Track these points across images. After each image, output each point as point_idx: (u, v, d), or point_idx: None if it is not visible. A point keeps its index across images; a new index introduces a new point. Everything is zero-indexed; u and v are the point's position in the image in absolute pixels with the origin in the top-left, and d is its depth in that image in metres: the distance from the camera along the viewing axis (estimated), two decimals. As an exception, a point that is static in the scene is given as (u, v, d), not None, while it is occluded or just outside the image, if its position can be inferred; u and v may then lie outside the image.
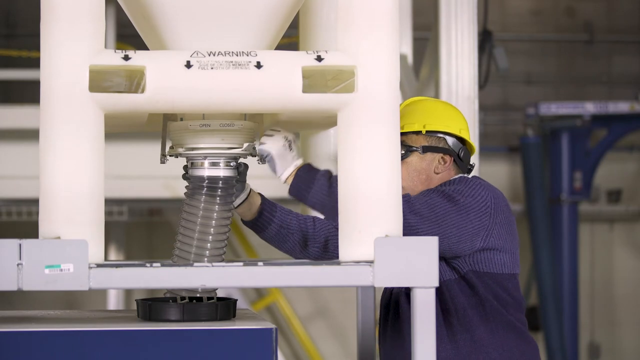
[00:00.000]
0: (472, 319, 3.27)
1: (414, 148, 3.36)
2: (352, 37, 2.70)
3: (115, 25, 6.88)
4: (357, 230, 2.68)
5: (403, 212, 2.98)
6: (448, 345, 3.26)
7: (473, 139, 4.78)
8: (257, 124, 3.04)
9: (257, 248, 9.15)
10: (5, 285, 2.50)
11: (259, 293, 9.55)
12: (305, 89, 2.68)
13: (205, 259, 2.94)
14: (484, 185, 3.28)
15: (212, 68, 2.65)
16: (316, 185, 3.04)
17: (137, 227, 9.45)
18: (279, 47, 2.90)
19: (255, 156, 3.08)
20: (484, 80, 7.19)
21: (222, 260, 2.97)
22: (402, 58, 5.85)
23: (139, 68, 2.62)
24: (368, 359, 3.98)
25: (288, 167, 3.09)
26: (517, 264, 3.33)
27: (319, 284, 2.62)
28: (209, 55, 2.67)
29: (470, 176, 3.38)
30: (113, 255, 8.49)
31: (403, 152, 3.29)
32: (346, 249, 2.69)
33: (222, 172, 2.97)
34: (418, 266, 2.58)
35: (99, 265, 2.54)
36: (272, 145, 3.08)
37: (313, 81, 2.69)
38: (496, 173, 9.83)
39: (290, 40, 4.00)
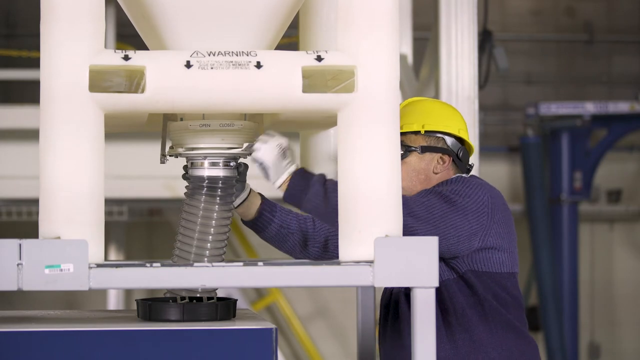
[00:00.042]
0: (470, 318, 3.26)
1: (413, 148, 3.36)
2: (352, 37, 2.70)
3: (115, 25, 6.88)
4: (357, 230, 2.68)
5: (401, 213, 2.98)
6: (447, 345, 3.26)
7: (473, 139, 4.79)
8: (257, 124, 3.04)
9: (257, 248, 9.15)
10: (5, 285, 2.50)
11: (259, 293, 9.55)
12: (305, 89, 2.68)
13: (205, 259, 2.94)
14: (481, 184, 3.27)
15: (212, 68, 2.65)
16: (311, 192, 3.00)
17: (137, 227, 9.45)
18: (279, 47, 2.90)
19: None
20: (484, 80, 7.19)
21: (222, 260, 2.97)
22: (402, 58, 5.85)
23: (139, 68, 2.62)
24: (368, 359, 3.98)
25: (281, 175, 3.02)
26: (516, 263, 3.33)
27: (319, 284, 2.62)
28: (209, 55, 2.67)
29: (467, 175, 3.37)
30: (113, 255, 8.49)
31: (402, 152, 3.29)
32: (346, 249, 2.69)
33: (222, 172, 2.97)
34: (418, 266, 2.58)
35: (99, 265, 2.54)
36: (265, 154, 3.00)
37: (313, 81, 2.69)
38: (496, 173, 9.83)
39: (290, 40, 4.00)
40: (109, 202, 6.07)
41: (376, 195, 2.68)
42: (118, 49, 2.81)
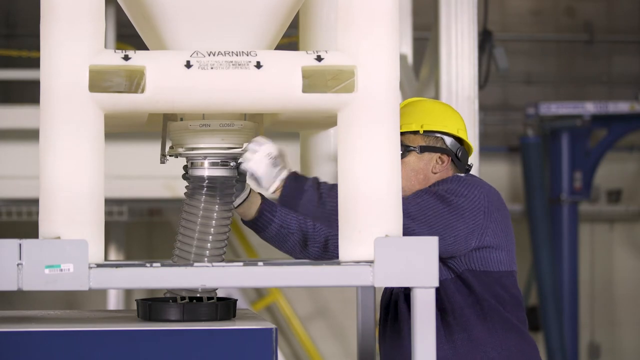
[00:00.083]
0: (469, 318, 3.26)
1: (412, 148, 3.36)
2: (352, 37, 2.70)
3: (115, 25, 6.88)
4: (357, 230, 2.68)
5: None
6: (445, 345, 3.26)
7: (473, 138, 4.79)
8: (257, 124, 3.04)
9: (257, 248, 9.15)
10: (5, 285, 2.50)
11: (259, 293, 9.55)
12: (305, 89, 2.68)
13: (206, 259, 2.94)
14: (477, 183, 3.27)
15: (212, 68, 2.65)
16: (304, 198, 3.00)
17: (137, 227, 9.45)
18: (279, 47, 2.90)
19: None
20: (484, 80, 7.19)
21: (222, 260, 2.97)
22: (402, 58, 5.85)
23: (139, 68, 2.63)
24: (368, 359, 3.98)
25: (273, 182, 3.01)
26: (514, 261, 3.33)
27: (319, 284, 2.62)
28: (209, 55, 2.67)
29: (463, 175, 3.37)
30: (113, 255, 8.49)
31: (401, 152, 3.29)
32: (346, 249, 2.69)
33: (222, 172, 2.97)
34: (418, 266, 2.58)
35: (99, 265, 2.54)
36: (255, 165, 2.99)
37: (313, 81, 2.69)
38: (496, 173, 9.83)
39: (290, 40, 4.00)
40: (109, 202, 6.07)
41: (376, 195, 2.68)
42: (118, 49, 2.81)
